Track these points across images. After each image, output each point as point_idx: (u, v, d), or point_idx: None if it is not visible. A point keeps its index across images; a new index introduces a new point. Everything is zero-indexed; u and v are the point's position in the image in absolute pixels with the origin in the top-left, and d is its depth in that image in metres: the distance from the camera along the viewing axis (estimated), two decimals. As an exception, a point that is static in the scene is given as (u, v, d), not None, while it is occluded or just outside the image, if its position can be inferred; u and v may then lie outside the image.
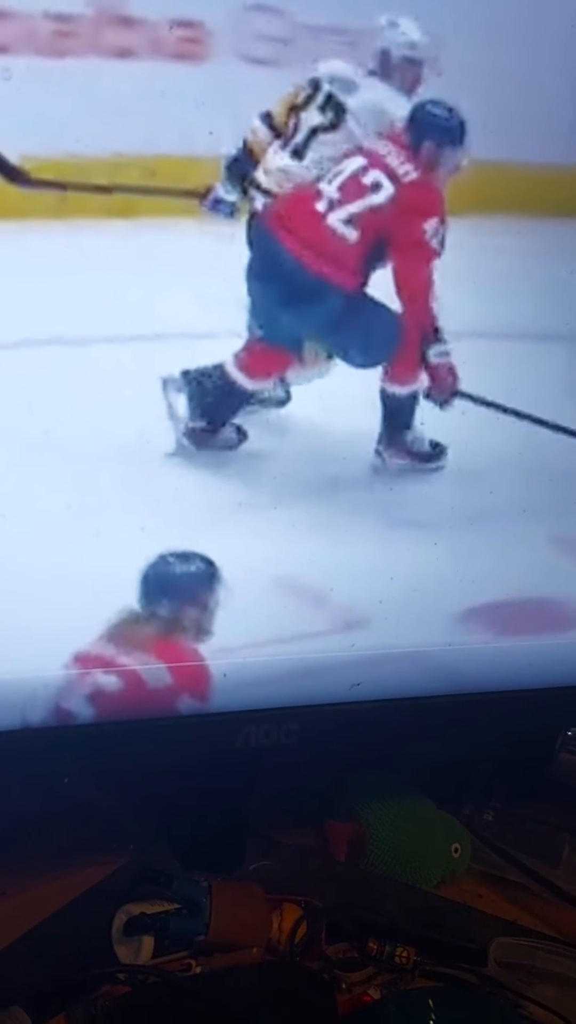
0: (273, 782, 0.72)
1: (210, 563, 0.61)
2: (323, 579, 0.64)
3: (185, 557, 0.60)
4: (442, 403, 0.64)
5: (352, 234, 0.59)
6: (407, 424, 0.64)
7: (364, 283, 0.60)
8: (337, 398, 0.62)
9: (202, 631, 0.62)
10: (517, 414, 0.64)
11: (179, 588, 0.61)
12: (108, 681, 0.61)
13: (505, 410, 0.64)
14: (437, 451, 0.65)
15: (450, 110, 0.57)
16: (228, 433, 0.61)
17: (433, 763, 0.76)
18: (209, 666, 0.63)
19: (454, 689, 0.70)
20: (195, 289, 0.56)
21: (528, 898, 0.74)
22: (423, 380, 0.63)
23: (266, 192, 0.57)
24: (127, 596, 0.60)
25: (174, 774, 0.68)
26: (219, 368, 0.60)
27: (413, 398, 0.63)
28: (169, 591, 0.61)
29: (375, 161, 0.58)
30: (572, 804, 0.79)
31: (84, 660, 0.60)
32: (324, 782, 0.76)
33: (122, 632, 0.60)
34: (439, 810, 0.78)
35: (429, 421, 0.64)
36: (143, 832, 0.73)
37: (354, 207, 0.58)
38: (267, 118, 0.56)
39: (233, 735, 0.65)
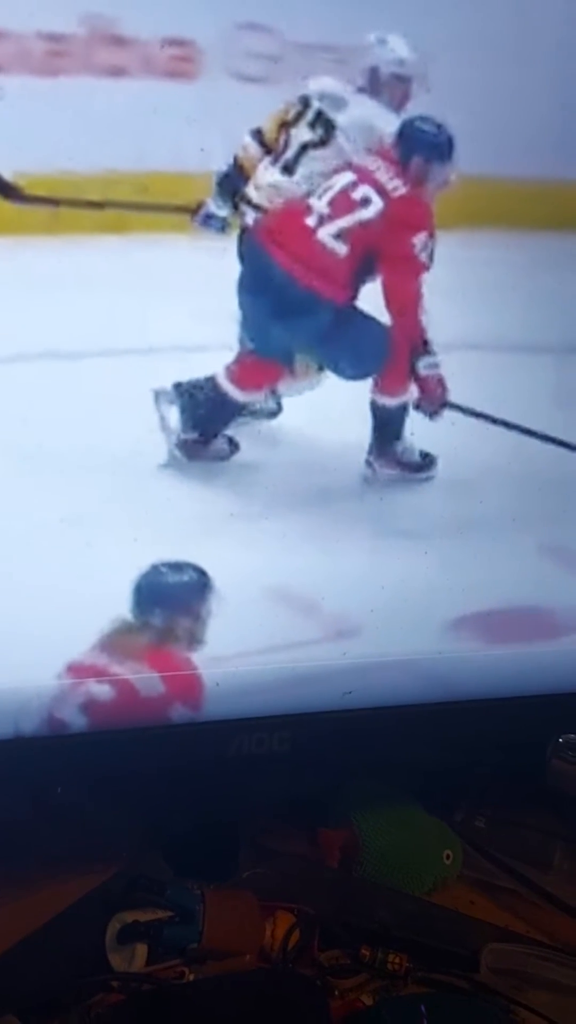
0: (266, 790, 0.72)
1: (202, 573, 0.61)
2: (314, 588, 0.65)
3: (177, 567, 0.61)
4: (432, 414, 0.64)
5: (342, 248, 0.59)
6: (397, 435, 0.64)
7: (354, 296, 0.61)
8: (328, 410, 0.63)
9: (195, 640, 0.63)
10: (506, 425, 0.65)
11: (172, 598, 0.61)
12: (101, 690, 0.62)
13: (494, 421, 0.65)
14: (427, 461, 0.65)
15: (439, 126, 0.58)
16: (220, 444, 0.62)
17: (425, 770, 0.76)
18: (202, 675, 0.64)
19: (445, 697, 0.70)
20: (187, 303, 0.57)
21: (520, 904, 0.74)
22: (413, 391, 0.64)
23: (257, 207, 0.58)
24: (120, 606, 0.61)
25: (167, 782, 0.68)
26: (211, 380, 0.60)
27: (403, 409, 0.64)
28: (162, 601, 0.61)
29: (365, 176, 0.59)
30: (563, 811, 0.79)
31: (77, 670, 0.61)
32: (317, 790, 0.76)
33: (115, 642, 0.61)
34: (431, 817, 0.78)
35: (419, 432, 0.65)
36: (136, 840, 0.73)
37: (344, 222, 0.59)
38: (258, 135, 0.57)
39: (226, 743, 0.65)
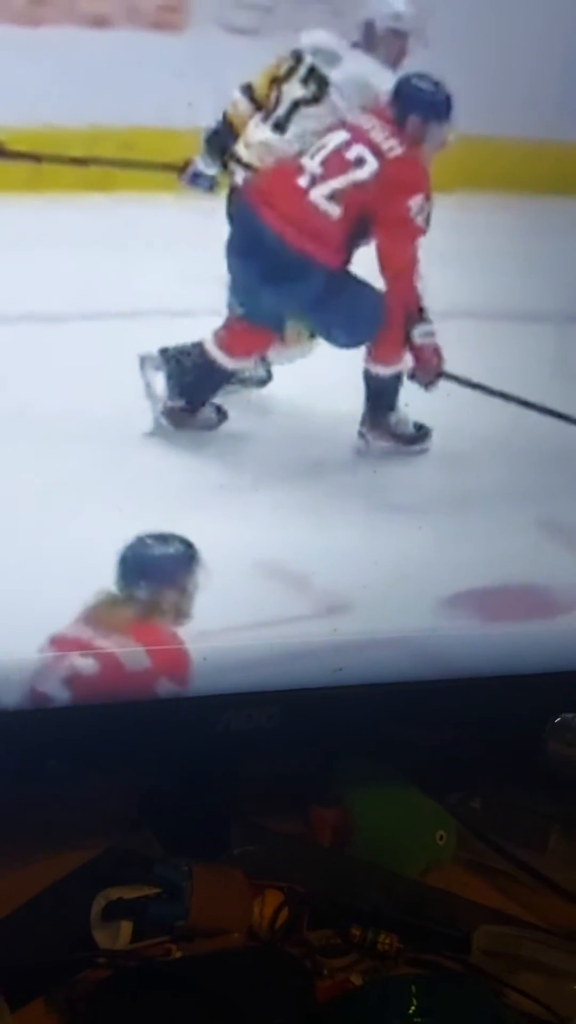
0: (256, 767, 0.71)
1: (189, 545, 0.60)
2: (305, 563, 0.64)
3: (164, 539, 0.59)
4: (427, 384, 0.63)
5: (335, 210, 0.58)
6: (391, 406, 0.63)
7: (347, 261, 0.59)
8: (320, 379, 0.61)
9: (181, 614, 0.62)
10: (504, 396, 0.63)
11: (158, 570, 0.60)
12: (85, 664, 0.60)
13: (491, 392, 0.63)
14: (421, 433, 0.64)
15: (436, 84, 0.56)
16: (207, 413, 0.61)
17: (419, 750, 0.75)
18: (188, 650, 0.62)
19: (439, 675, 0.69)
20: (174, 265, 0.55)
21: (514, 886, 0.73)
22: (407, 361, 0.62)
23: (247, 166, 0.56)
24: (104, 578, 0.59)
25: (156, 758, 0.67)
26: (198, 346, 0.59)
27: (397, 379, 0.62)
28: (147, 573, 0.60)
29: (359, 136, 0.57)
30: (559, 792, 0.78)
31: (60, 643, 0.60)
32: (307, 767, 0.75)
33: (99, 615, 0.60)
34: (426, 797, 0.77)
35: (413, 403, 0.63)
36: (127, 818, 0.72)
37: (337, 182, 0.57)
38: (248, 90, 0.55)
39: (213, 719, 0.64)
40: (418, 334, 0.61)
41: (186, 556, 0.60)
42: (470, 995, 0.62)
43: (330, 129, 0.57)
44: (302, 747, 0.71)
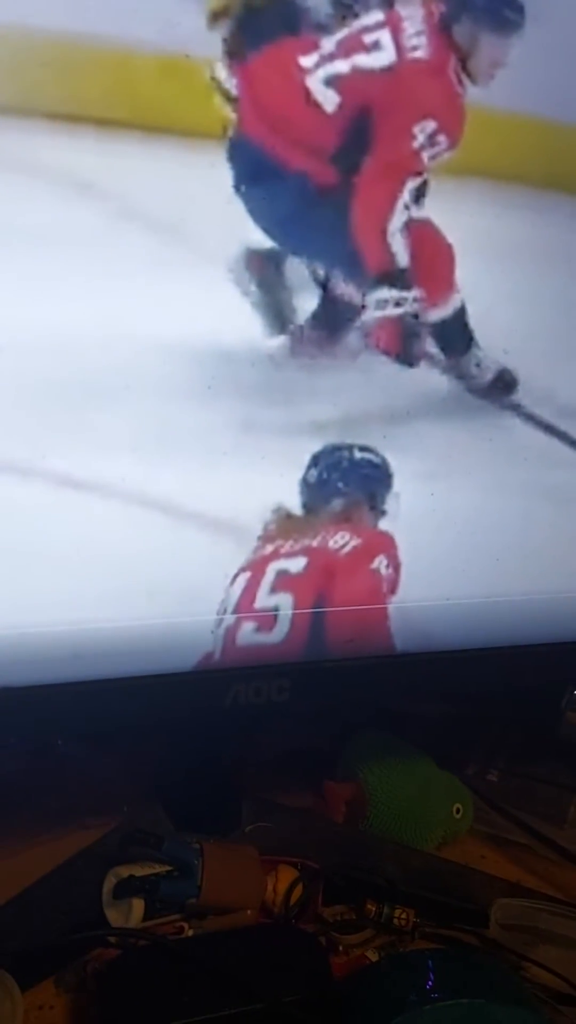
0: (268, 741, 0.70)
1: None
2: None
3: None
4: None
5: (332, 98, 0.46)
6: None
7: (341, 182, 0.48)
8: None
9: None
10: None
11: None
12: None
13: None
14: (500, 384, 0.55)
15: None
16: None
17: (434, 722, 0.74)
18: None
19: (453, 645, 0.67)
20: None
21: (532, 859, 0.72)
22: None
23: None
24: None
25: (166, 735, 0.66)
26: None
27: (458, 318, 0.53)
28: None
29: (391, 21, 0.45)
30: (578, 764, 0.77)
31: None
32: (318, 741, 0.74)
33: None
34: (441, 770, 0.76)
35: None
36: (138, 795, 0.71)
37: (343, 64, 0.45)
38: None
39: (222, 693, 0.62)
40: (373, 301, 0.48)
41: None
42: (488, 969, 0.61)
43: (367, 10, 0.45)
44: (313, 721, 0.69)
